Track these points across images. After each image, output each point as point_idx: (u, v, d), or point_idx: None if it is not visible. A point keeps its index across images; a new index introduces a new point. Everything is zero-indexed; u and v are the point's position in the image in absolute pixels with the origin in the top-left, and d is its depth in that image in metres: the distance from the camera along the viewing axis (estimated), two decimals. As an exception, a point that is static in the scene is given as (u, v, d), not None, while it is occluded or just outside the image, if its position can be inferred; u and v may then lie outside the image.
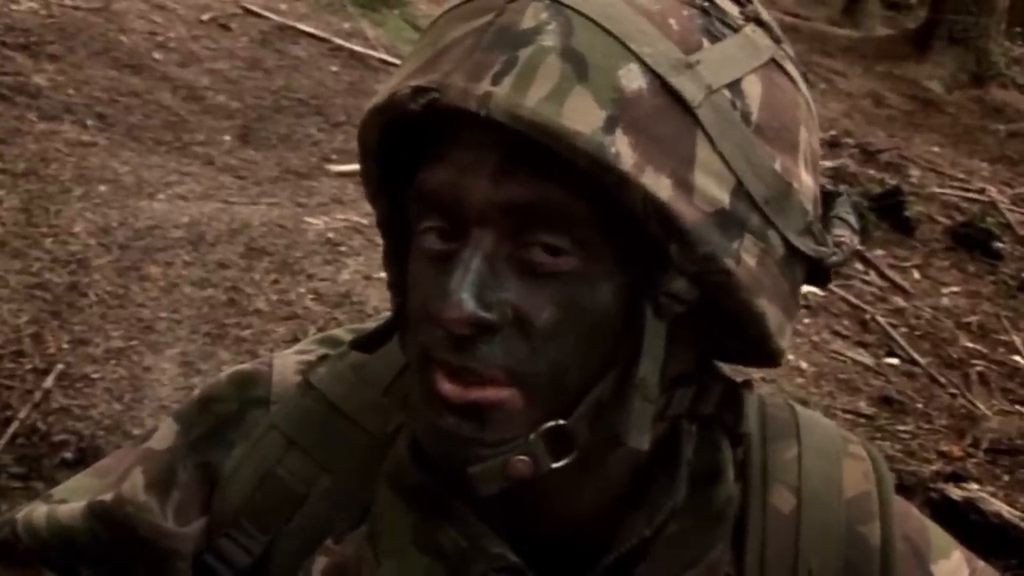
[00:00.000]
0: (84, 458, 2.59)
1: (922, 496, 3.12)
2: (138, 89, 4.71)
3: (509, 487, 0.65)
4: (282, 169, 4.39)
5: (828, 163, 5.56)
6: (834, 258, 0.69)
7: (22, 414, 2.76)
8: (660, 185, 0.60)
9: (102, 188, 3.75)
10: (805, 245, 0.67)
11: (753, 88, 0.64)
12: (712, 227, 0.61)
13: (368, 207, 0.74)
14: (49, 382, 2.86)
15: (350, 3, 6.38)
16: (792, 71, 0.68)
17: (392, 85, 0.65)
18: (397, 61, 5.62)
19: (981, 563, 0.78)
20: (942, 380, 3.97)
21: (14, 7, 4.99)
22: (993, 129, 8.05)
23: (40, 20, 4.95)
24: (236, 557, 0.76)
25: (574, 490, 0.71)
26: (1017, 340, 4.48)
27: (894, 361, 4.04)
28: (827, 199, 0.72)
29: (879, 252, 4.98)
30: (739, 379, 0.76)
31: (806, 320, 4.04)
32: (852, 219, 0.73)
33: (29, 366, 2.92)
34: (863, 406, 3.63)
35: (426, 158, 0.65)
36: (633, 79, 0.60)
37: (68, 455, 2.69)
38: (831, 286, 4.31)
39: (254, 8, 5.86)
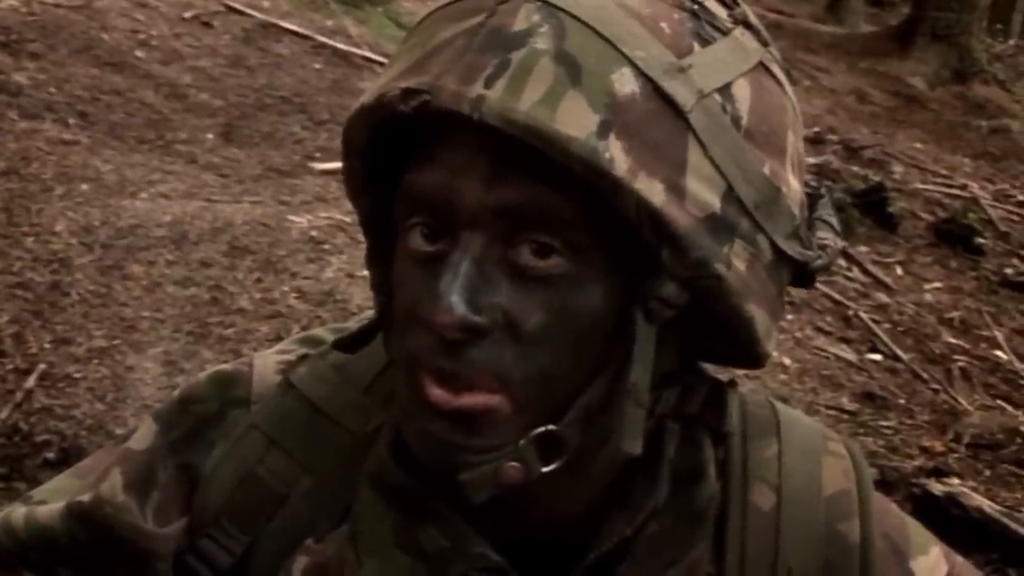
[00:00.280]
0: (67, 458, 2.58)
1: (904, 491, 3.13)
2: (120, 87, 4.69)
3: (499, 493, 0.65)
4: (265, 167, 4.38)
5: (812, 160, 5.57)
6: (819, 262, 0.69)
7: (4, 414, 2.75)
8: (653, 190, 0.60)
9: (84, 187, 3.73)
10: (792, 249, 0.67)
11: (743, 92, 0.64)
12: (703, 232, 0.62)
13: (351, 205, 0.74)
14: (31, 382, 2.85)
15: (333, 0, 6.37)
16: (779, 74, 0.69)
17: (380, 85, 0.65)
18: (381, 59, 5.61)
19: (960, 559, 0.79)
20: (924, 376, 3.99)
21: (-6, 5, 4.96)
22: (975, 125, 8.09)
23: (21, 18, 4.92)
24: (217, 557, 0.76)
25: (558, 491, 0.71)
26: (999, 336, 4.50)
27: (877, 357, 4.06)
28: (809, 201, 0.72)
29: (862, 248, 4.99)
30: (723, 378, 0.76)
31: (789, 316, 4.05)
32: (834, 221, 0.73)
33: (11, 366, 2.90)
34: (846, 402, 3.65)
35: (414, 158, 0.65)
36: (626, 83, 0.60)
37: (51, 455, 2.68)
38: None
39: (237, 6, 5.84)
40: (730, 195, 0.63)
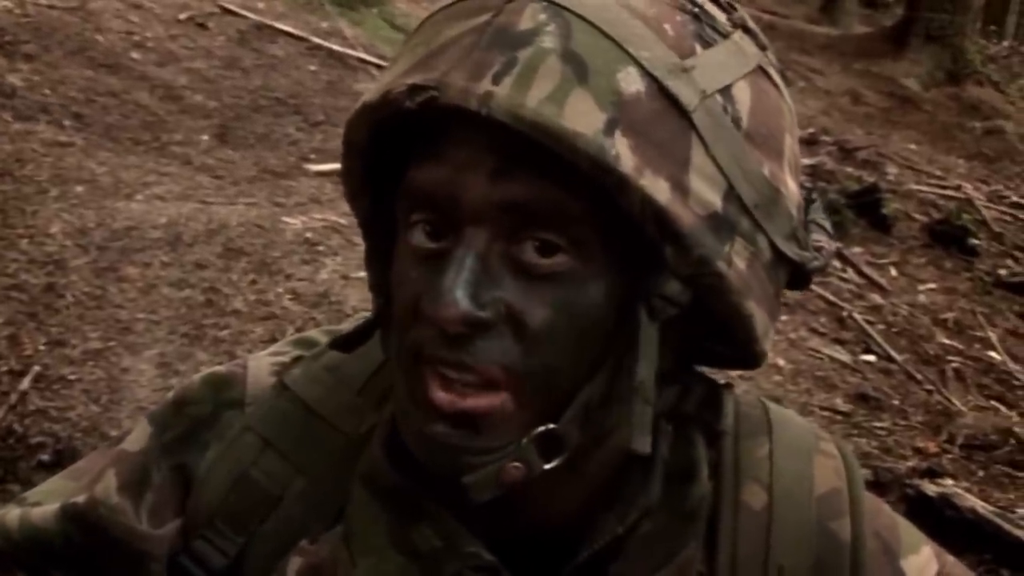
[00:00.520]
0: (61, 460, 2.58)
1: (898, 492, 3.14)
2: (115, 89, 4.69)
3: (502, 493, 0.65)
4: (260, 169, 4.38)
5: (806, 161, 5.58)
6: (815, 263, 0.70)
7: (-2, 416, 2.75)
8: (658, 188, 0.61)
9: (79, 189, 3.73)
10: (790, 250, 0.68)
11: (743, 94, 0.65)
12: (706, 230, 0.62)
13: (347, 206, 0.74)
14: (26, 384, 2.85)
15: (328, 2, 6.37)
16: (776, 78, 0.70)
17: (386, 83, 0.65)
18: (376, 60, 5.61)
19: (951, 558, 0.79)
20: (918, 377, 4.00)
21: (-11, 6, 4.96)
22: (969, 126, 8.10)
23: (15, 19, 4.92)
24: (211, 559, 0.76)
25: (554, 490, 0.71)
26: (993, 336, 4.51)
27: (871, 358, 4.07)
28: (802, 205, 0.73)
29: (856, 249, 5.00)
30: (719, 380, 0.77)
31: (783, 317, 4.06)
32: (827, 224, 0.74)
33: (5, 368, 2.90)
34: (840, 403, 3.65)
35: (416, 157, 0.65)
36: (632, 82, 0.61)
37: (45, 457, 2.68)
38: (808, 284, 4.32)
39: (232, 7, 5.84)
40: (731, 194, 0.63)
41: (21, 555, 0.78)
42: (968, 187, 6.19)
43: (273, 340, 2.87)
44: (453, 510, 0.71)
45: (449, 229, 0.64)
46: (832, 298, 4.39)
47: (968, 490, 3.22)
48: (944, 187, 6.10)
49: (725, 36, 0.66)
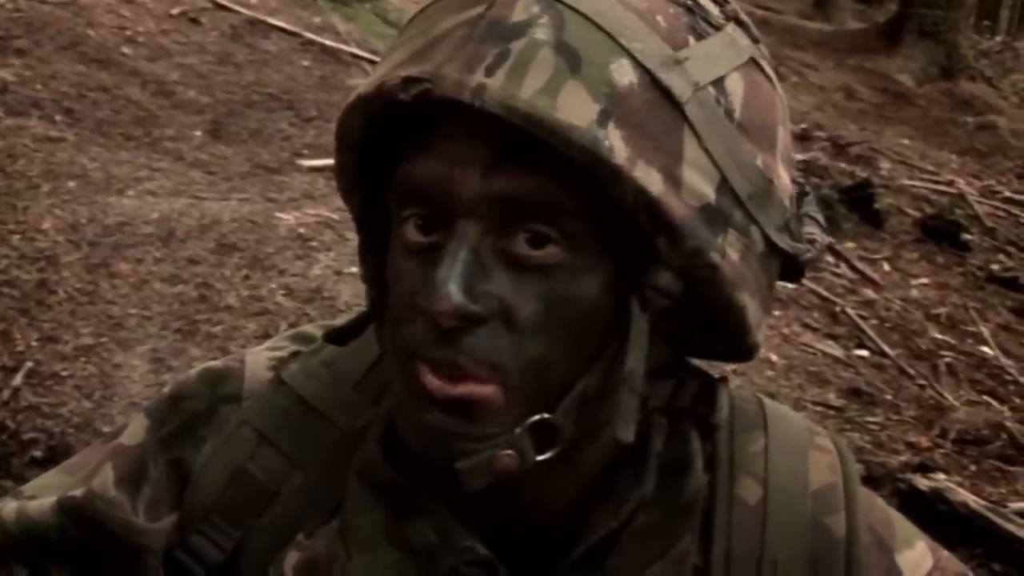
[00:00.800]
0: (54, 456, 2.58)
1: (890, 486, 3.15)
2: (107, 84, 4.68)
3: (495, 482, 0.65)
4: (253, 164, 4.37)
5: (799, 156, 5.58)
6: (808, 255, 0.70)
7: (-9, 412, 2.74)
8: (651, 179, 0.61)
9: (71, 184, 3.72)
10: (783, 241, 0.68)
11: (736, 86, 0.65)
12: (699, 222, 0.62)
13: (339, 202, 0.74)
14: (18, 380, 2.84)
15: (321, -3, 6.36)
16: (769, 71, 0.70)
17: (379, 75, 0.65)
18: (369, 55, 5.60)
19: (945, 552, 0.79)
20: (911, 371, 4.01)
21: (-20, 1, 4.94)
22: (962, 122, 8.12)
23: (6, 14, 4.90)
24: (207, 553, 0.76)
25: (549, 483, 0.71)
26: (985, 331, 4.52)
27: (864, 353, 4.07)
28: (796, 197, 0.73)
29: (849, 244, 5.01)
30: (714, 374, 0.77)
31: (776, 313, 4.07)
32: (820, 217, 0.74)
33: (-2, 364, 2.90)
34: (832, 398, 3.66)
35: (409, 150, 0.65)
36: (624, 74, 0.61)
37: (38, 453, 2.67)
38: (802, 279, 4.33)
39: (224, 2, 5.83)
40: (724, 186, 0.63)
41: (18, 548, 0.78)
42: (961, 182, 6.20)
43: (266, 336, 2.87)
44: (449, 505, 0.71)
45: (441, 223, 0.64)
46: (825, 293, 4.40)
47: (960, 484, 3.23)
48: (937, 182, 6.11)
49: (718, 28, 0.66)
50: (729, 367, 3.26)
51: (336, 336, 0.76)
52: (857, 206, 5.29)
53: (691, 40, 0.64)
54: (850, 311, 4.32)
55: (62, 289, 3.18)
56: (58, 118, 4.27)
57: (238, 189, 4.02)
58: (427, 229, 0.65)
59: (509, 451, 0.64)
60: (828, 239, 0.74)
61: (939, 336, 4.39)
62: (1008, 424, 3.68)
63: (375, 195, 0.70)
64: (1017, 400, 4.01)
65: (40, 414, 2.77)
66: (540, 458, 0.65)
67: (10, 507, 0.79)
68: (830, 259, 4.71)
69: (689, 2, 0.66)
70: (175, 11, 5.63)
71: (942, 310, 4.65)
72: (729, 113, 0.64)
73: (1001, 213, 5.94)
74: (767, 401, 0.80)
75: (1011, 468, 3.46)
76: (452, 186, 0.63)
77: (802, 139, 6.01)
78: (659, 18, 0.64)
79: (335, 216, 3.72)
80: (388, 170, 0.67)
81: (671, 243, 0.62)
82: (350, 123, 0.68)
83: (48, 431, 2.72)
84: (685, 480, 0.72)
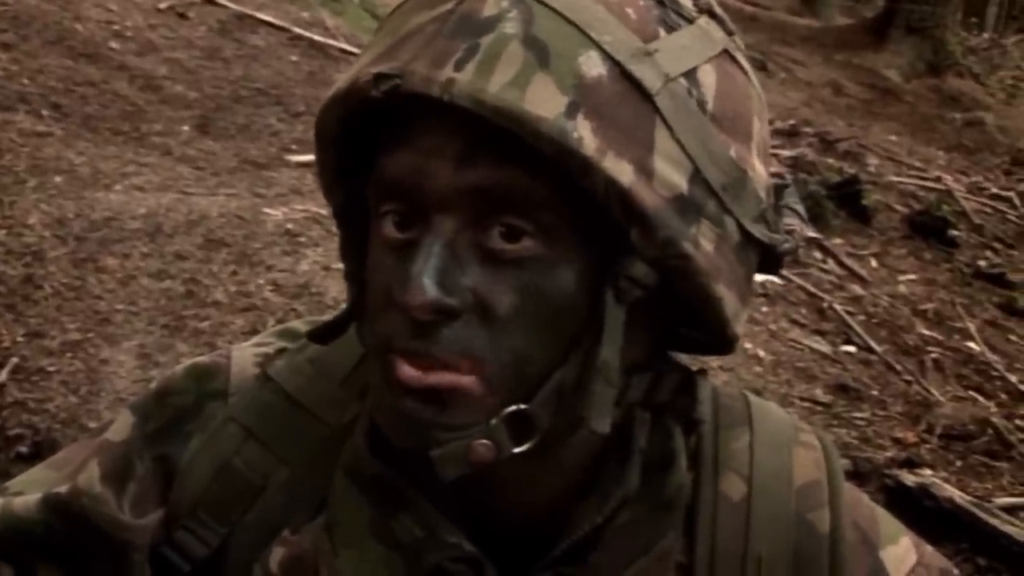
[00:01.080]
0: (40, 452, 2.57)
1: (877, 482, 3.16)
2: (94, 78, 4.66)
3: (471, 472, 0.65)
4: (241, 160, 4.36)
5: (787, 152, 5.60)
6: (786, 245, 0.70)
7: (-23, 408, 2.73)
8: (621, 170, 0.61)
9: (57, 179, 3.71)
10: (759, 232, 0.68)
11: (708, 78, 0.65)
12: (671, 212, 0.63)
13: (324, 197, 0.75)
14: (4, 375, 2.83)
15: (309, -8, 6.34)
16: (744, 63, 0.70)
17: (353, 73, 0.66)
18: (357, 50, 5.58)
19: (929, 548, 0.79)
20: (898, 367, 4.02)
21: (-34, -5, 4.92)
22: (950, 118, 8.15)
23: (-7, 8, 4.88)
24: (193, 549, 0.76)
25: (531, 477, 0.71)
26: (972, 327, 4.54)
27: (851, 349, 4.09)
28: (776, 191, 0.73)
29: (837, 241, 5.02)
30: (693, 367, 0.77)
31: (764, 309, 4.08)
32: (800, 209, 0.74)
33: (-16, 359, 2.89)
34: (819, 394, 3.67)
35: (385, 146, 0.66)
36: (593, 66, 0.62)
37: (24, 449, 2.66)
38: (789, 275, 4.35)
39: (212, -3, 5.81)
40: (697, 177, 0.64)
41: (2, 545, 0.78)
42: (948, 178, 6.22)
43: (254, 331, 2.86)
44: (434, 501, 0.71)
45: (418, 218, 0.65)
46: (812, 289, 4.41)
47: (946, 480, 3.24)
48: (924, 178, 6.13)
49: (690, 21, 0.67)
50: (715, 363, 3.27)
51: (318, 335, 0.76)
52: (845, 202, 5.30)
53: (662, 32, 0.65)
54: (837, 307, 4.33)
55: (48, 284, 3.16)
56: (45, 112, 4.25)
57: (226, 184, 4.01)
58: (404, 226, 0.65)
59: (484, 441, 0.65)
60: (809, 231, 0.74)
61: (926, 332, 4.41)
62: (994, 420, 3.69)
63: (356, 192, 0.71)
64: (1003, 396, 4.03)
65: (26, 410, 2.76)
66: (517, 450, 0.65)
67: (-5, 504, 0.79)
68: (817, 255, 4.72)
69: None
70: (163, 5, 5.61)
71: (929, 306, 4.67)
72: (701, 104, 0.64)
73: (988, 209, 5.97)
74: (752, 398, 0.80)
75: (997, 464, 3.48)
76: (425, 179, 0.63)
77: (790, 135, 6.02)
78: (629, 11, 0.64)
79: (323, 212, 3.72)
80: (369, 167, 0.68)
81: (643, 233, 0.63)
82: (327, 120, 0.68)
83: (34, 427, 2.72)
84: (669, 476, 0.72)
